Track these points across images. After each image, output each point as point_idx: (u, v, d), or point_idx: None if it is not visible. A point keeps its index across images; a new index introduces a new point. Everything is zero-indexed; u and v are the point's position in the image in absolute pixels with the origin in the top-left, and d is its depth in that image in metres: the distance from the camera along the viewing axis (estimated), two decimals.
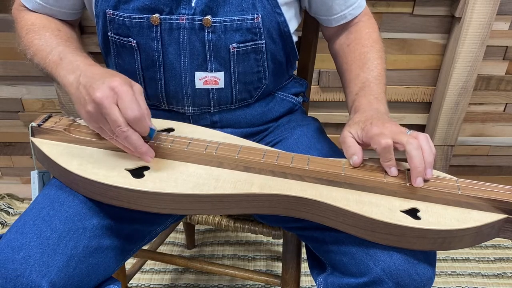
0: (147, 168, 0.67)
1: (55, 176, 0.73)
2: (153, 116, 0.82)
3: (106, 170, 0.66)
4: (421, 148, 0.62)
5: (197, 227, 1.53)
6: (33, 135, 0.73)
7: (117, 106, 0.61)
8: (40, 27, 0.78)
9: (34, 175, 0.78)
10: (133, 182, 0.64)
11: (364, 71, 0.79)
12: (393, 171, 0.65)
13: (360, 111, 0.72)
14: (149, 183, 0.64)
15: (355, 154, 0.66)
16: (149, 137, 0.67)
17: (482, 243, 1.43)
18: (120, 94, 0.61)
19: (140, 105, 0.62)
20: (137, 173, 0.66)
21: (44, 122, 0.73)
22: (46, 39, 0.76)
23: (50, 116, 0.74)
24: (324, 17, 0.85)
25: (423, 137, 0.64)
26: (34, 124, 0.72)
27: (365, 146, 0.68)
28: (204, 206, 0.65)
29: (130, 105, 0.61)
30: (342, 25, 0.86)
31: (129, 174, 0.65)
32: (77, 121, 0.75)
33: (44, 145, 0.71)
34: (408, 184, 0.64)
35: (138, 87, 0.64)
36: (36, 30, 0.77)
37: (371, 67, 0.79)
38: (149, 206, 0.65)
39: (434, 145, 0.78)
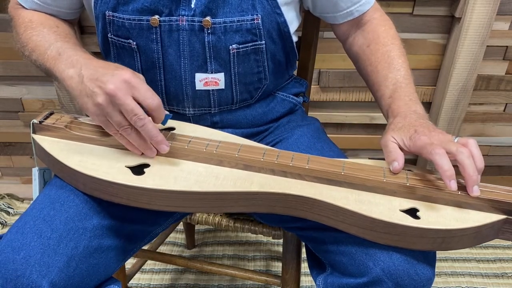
0: (147, 165, 0.67)
1: (55, 173, 0.73)
2: None
3: (106, 167, 0.66)
4: (472, 156, 0.61)
5: (197, 227, 1.53)
6: (34, 132, 0.73)
7: (132, 97, 0.62)
8: (38, 24, 0.78)
9: (35, 172, 0.78)
10: (133, 178, 0.64)
11: (391, 71, 0.78)
12: (453, 185, 0.60)
13: (401, 115, 0.70)
14: (149, 180, 0.64)
15: (396, 160, 0.65)
16: (162, 124, 0.68)
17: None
18: (136, 86, 0.62)
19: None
20: (138, 170, 0.66)
21: (45, 119, 0.73)
22: (44, 35, 0.75)
23: (51, 113, 0.74)
24: (330, 14, 0.84)
25: (472, 143, 0.62)
26: (35, 121, 0.72)
27: (408, 153, 0.67)
28: (203, 204, 0.65)
29: (150, 95, 0.63)
30: (354, 23, 0.85)
31: (129, 171, 0.66)
32: (79, 118, 0.75)
33: (45, 141, 0.71)
34: (408, 184, 0.64)
35: (142, 77, 0.66)
36: (34, 27, 0.77)
37: (397, 67, 0.78)
38: (149, 203, 0.65)
39: None
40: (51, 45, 0.72)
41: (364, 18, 0.84)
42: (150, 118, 0.64)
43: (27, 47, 0.76)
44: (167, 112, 0.67)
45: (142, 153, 0.68)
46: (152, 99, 0.63)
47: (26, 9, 0.81)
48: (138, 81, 0.63)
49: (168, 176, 0.65)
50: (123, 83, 0.62)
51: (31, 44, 0.75)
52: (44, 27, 0.77)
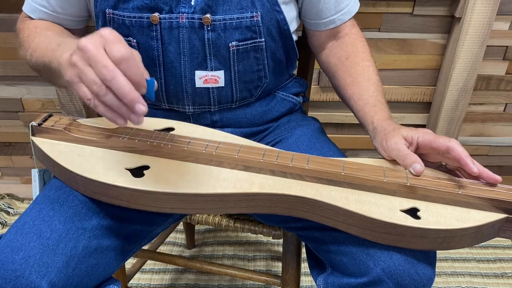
0: (147, 167, 0.67)
1: (55, 175, 0.73)
2: (154, 115, 0.82)
3: (106, 169, 0.66)
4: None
5: (197, 227, 1.53)
6: (33, 134, 0.73)
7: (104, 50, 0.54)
8: (43, 28, 0.78)
9: (35, 173, 0.78)
10: (133, 181, 0.64)
11: (371, 84, 0.80)
12: (477, 166, 0.64)
13: (391, 119, 0.74)
14: (149, 182, 0.64)
15: (417, 162, 0.65)
16: (150, 93, 0.57)
17: (482, 243, 1.44)
18: (106, 36, 0.54)
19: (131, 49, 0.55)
20: (137, 172, 0.66)
21: (44, 121, 0.73)
22: (48, 36, 0.74)
23: (50, 115, 0.74)
24: (312, 20, 0.85)
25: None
26: (34, 123, 0.72)
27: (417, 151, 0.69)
28: (203, 206, 0.65)
29: (117, 45, 0.53)
30: (333, 33, 0.86)
31: (129, 173, 0.65)
32: (77, 120, 0.75)
33: (44, 144, 0.71)
34: (408, 184, 0.64)
35: (137, 53, 0.57)
36: (38, 31, 0.77)
37: (377, 82, 0.81)
38: (149, 205, 0.64)
39: None
40: (52, 42, 0.70)
41: (342, 31, 0.86)
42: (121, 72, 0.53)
43: (29, 50, 0.75)
44: (147, 76, 0.56)
45: (125, 122, 0.57)
46: (117, 50, 0.53)
47: (34, 20, 0.81)
48: (114, 33, 0.55)
49: (167, 178, 0.65)
50: (98, 37, 0.54)
51: (33, 45, 0.74)
52: (48, 30, 0.77)
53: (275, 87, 0.88)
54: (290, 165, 0.67)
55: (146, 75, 0.56)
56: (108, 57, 0.53)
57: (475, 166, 0.62)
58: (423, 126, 1.45)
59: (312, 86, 1.10)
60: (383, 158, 0.71)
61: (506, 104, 1.43)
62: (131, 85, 0.53)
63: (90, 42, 0.54)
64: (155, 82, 0.57)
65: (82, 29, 0.86)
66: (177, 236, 1.51)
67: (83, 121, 0.75)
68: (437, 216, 0.61)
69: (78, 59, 0.55)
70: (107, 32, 0.54)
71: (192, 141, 0.70)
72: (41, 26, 0.79)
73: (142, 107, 0.54)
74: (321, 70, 1.32)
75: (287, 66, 0.88)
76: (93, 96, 0.55)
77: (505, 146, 1.51)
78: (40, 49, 0.72)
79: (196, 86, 0.78)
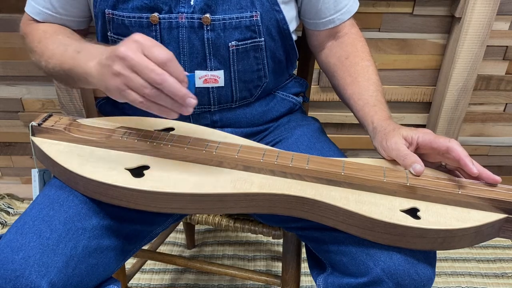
0: (147, 167, 0.67)
1: (55, 175, 0.73)
2: (154, 115, 0.82)
3: (106, 169, 0.66)
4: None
5: (197, 227, 1.53)
6: (33, 134, 0.73)
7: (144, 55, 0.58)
8: (52, 33, 0.78)
9: (35, 173, 0.78)
10: (133, 181, 0.64)
11: (371, 84, 0.80)
12: (477, 167, 0.64)
13: (391, 119, 0.74)
14: (149, 182, 0.64)
15: (417, 162, 0.65)
16: (191, 88, 0.61)
17: (482, 243, 1.44)
18: (143, 42, 0.58)
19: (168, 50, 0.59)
20: (137, 172, 0.66)
21: (44, 121, 0.73)
22: (60, 40, 0.75)
23: (50, 115, 0.74)
24: (312, 20, 0.85)
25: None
26: (34, 123, 0.72)
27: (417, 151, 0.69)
28: (203, 206, 0.65)
29: (157, 49, 0.57)
30: (332, 33, 0.86)
31: (129, 173, 0.66)
32: (77, 120, 0.75)
33: (44, 144, 0.71)
34: (408, 184, 0.64)
35: (166, 50, 0.60)
36: (48, 37, 0.77)
37: (376, 82, 0.81)
38: (149, 206, 0.65)
39: None
40: (68, 47, 0.71)
41: (342, 31, 0.86)
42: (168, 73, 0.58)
43: (43, 57, 0.75)
44: (186, 72, 0.60)
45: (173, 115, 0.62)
46: (159, 53, 0.57)
47: (39, 22, 0.81)
48: (147, 38, 0.59)
49: (167, 178, 0.65)
50: (133, 43, 0.58)
51: (47, 52, 0.74)
52: (58, 34, 0.77)
53: (275, 87, 0.88)
54: (290, 165, 0.67)
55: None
56: (152, 61, 0.57)
57: (474, 167, 0.62)
58: (423, 126, 1.45)
59: (312, 86, 1.10)
60: (383, 158, 0.71)
61: (506, 104, 1.43)
62: (179, 83, 0.58)
63: (129, 49, 0.57)
64: (195, 76, 0.62)
65: (85, 30, 0.86)
66: (177, 236, 1.51)
67: (83, 121, 0.75)
68: (437, 216, 0.61)
69: (121, 68, 0.58)
70: (141, 38, 0.58)
71: (192, 141, 0.70)
72: (50, 30, 0.79)
73: (193, 100, 0.60)
74: (321, 70, 1.33)
75: (287, 66, 0.88)
76: (145, 99, 0.59)
77: (505, 146, 1.51)
78: (56, 56, 0.72)
79: (196, 85, 0.78)
